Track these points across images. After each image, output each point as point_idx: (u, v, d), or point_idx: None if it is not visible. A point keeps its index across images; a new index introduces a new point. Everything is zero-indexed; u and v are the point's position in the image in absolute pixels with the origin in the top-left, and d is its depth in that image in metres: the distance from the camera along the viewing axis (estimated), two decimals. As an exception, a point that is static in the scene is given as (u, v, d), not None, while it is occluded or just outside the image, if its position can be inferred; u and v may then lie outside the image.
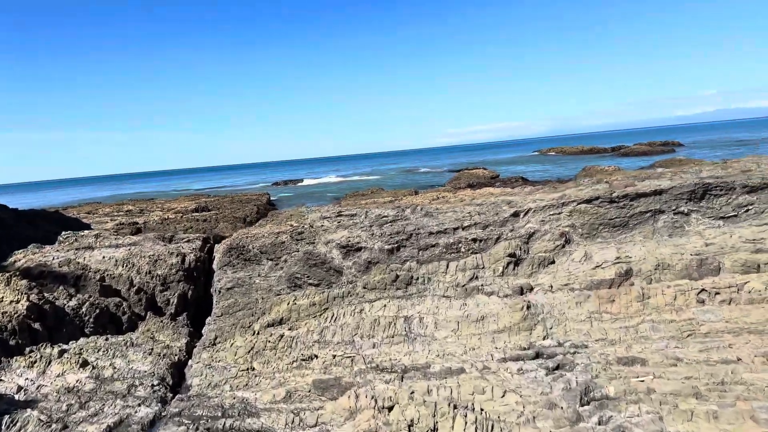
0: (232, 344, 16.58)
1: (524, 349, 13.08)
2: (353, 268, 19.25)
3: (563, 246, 18.54)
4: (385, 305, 16.51)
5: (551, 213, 19.33)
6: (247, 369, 14.70)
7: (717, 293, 13.70)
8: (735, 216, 18.10)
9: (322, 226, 21.16)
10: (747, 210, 18.07)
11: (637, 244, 17.96)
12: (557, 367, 11.73)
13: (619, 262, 16.90)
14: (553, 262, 18.01)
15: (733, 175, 19.96)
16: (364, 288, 18.20)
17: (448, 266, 18.46)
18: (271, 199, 72.58)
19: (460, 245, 18.94)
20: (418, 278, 18.18)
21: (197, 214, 57.67)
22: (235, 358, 15.69)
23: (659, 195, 18.78)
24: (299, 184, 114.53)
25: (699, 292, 13.92)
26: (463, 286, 17.50)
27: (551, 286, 16.31)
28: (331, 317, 16.64)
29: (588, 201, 19.19)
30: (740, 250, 15.85)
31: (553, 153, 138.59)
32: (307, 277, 20.02)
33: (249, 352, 15.74)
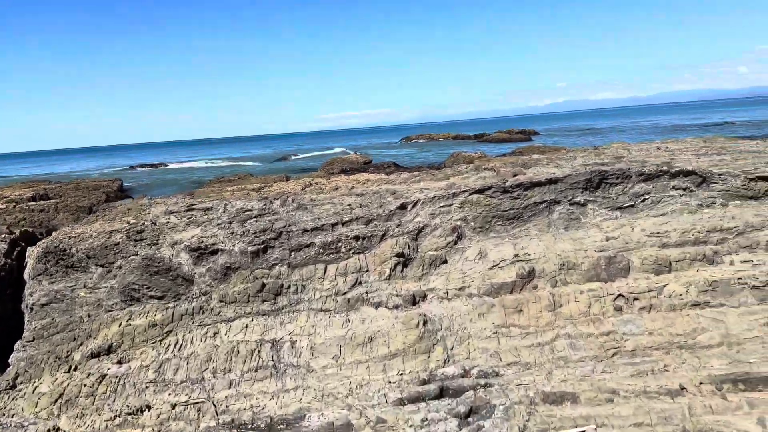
0: (36, 388, 12.04)
1: (425, 382, 10.17)
2: (207, 276, 15.28)
3: (455, 242, 15.98)
4: (246, 325, 12.85)
5: (441, 205, 16.68)
6: (50, 430, 10.39)
7: (635, 299, 11.75)
8: (632, 206, 16.61)
9: (168, 222, 16.84)
10: (644, 200, 16.64)
11: (533, 239, 15.85)
12: (470, 412, 8.97)
13: (518, 260, 14.63)
14: (445, 262, 15.38)
15: (621, 161, 18.61)
16: (221, 302, 14.36)
17: (326, 270, 15.16)
18: (124, 185, 64.63)
19: (340, 244, 15.70)
20: (289, 286, 14.69)
21: (34, 203, 49.47)
22: (36, 410, 11.26)
23: (554, 184, 16.83)
24: (160, 168, 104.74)
25: (615, 298, 11.89)
26: (345, 294, 14.30)
27: (447, 292, 13.62)
28: (175, 345, 12.67)
29: (480, 191, 16.78)
30: (647, 246, 14.19)
31: (422, 140, 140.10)
32: (147, 288, 15.69)
33: (57, 400, 11.37)
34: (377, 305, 13.12)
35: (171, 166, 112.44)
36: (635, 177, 16.77)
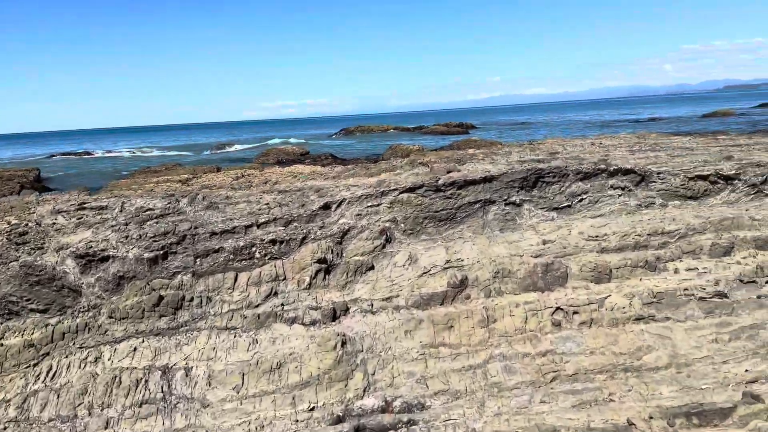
0: None
1: (339, 419, 8.62)
2: (97, 287, 13.12)
3: (383, 246, 14.47)
4: (135, 348, 10.88)
5: (369, 205, 15.12)
6: None
7: (575, 312, 10.60)
8: (569, 206, 15.60)
9: (55, 223, 14.49)
10: (581, 199, 15.66)
11: (467, 242, 14.57)
12: (389, 462, 7.49)
13: (450, 267, 13.30)
14: (372, 268, 13.86)
15: (556, 157, 17.64)
16: (111, 317, 12.29)
17: (237, 278, 13.32)
18: (42, 176, 59.70)
19: (255, 249, 13.87)
20: (192, 299, 12.77)
21: (-69, 196, 44.85)
22: None
23: (489, 182, 15.58)
24: (84, 157, 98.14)
25: (553, 312, 10.70)
26: (257, 306, 12.53)
27: (371, 304, 12.10)
28: (48, 372, 10.57)
29: (411, 189, 15.33)
30: (585, 250, 13.15)
31: (361, 132, 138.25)
32: (27, 300, 13.35)
33: None
34: (292, 321, 11.43)
35: (97, 154, 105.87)
36: (572, 175, 15.76)
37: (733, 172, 15.71)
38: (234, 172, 30.41)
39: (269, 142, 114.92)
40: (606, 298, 10.73)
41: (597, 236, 13.60)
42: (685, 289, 10.60)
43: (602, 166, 15.82)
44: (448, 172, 17.20)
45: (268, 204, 15.39)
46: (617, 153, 20.10)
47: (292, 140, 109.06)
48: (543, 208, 15.60)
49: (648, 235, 13.58)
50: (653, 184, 15.86)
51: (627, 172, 15.87)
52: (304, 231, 14.34)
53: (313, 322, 11.41)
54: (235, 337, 11.00)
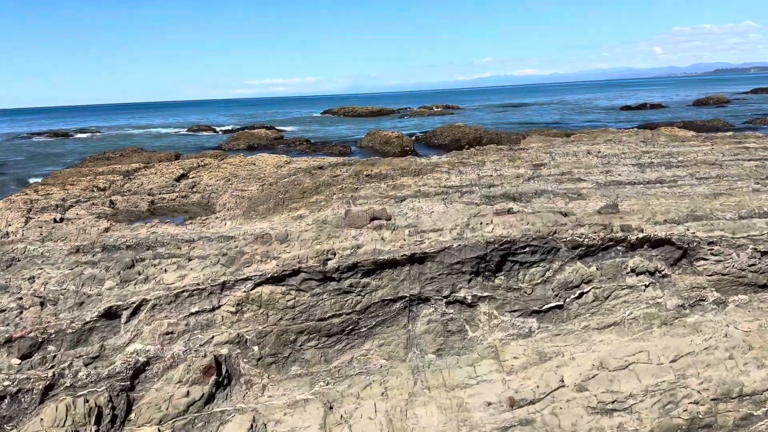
0: None
1: None
2: None
3: (210, 398, 7.48)
4: None
5: (194, 311, 8.04)
6: None
7: None
8: (559, 307, 8.62)
9: None
10: (579, 295, 8.68)
11: (372, 385, 7.65)
12: None
13: (321, 465, 6.38)
14: (175, 453, 6.90)
15: (537, 224, 10.70)
16: None
17: None
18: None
19: (-59, 416, 6.84)
20: None
21: None
22: None
23: (420, 265, 8.53)
24: (37, 138, 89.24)
25: None
26: None
27: None
28: None
29: (278, 280, 8.23)
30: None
31: (344, 114, 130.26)
32: None
33: None
34: None
35: (41, 138, 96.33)
36: (565, 250, 8.74)
37: (842, 246, 8.75)
38: (189, 162, 25.47)
39: (248, 121, 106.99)
40: None
41: (615, 401, 6.67)
42: None
43: (617, 235, 8.79)
44: (372, 219, 10.18)
45: (22, 300, 8.29)
46: (622, 170, 13.30)
47: (269, 122, 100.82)
48: (514, 311, 8.59)
49: (712, 400, 6.68)
50: (702, 262, 8.91)
51: (658, 243, 8.89)
52: (54, 371, 7.29)
53: None
54: None
